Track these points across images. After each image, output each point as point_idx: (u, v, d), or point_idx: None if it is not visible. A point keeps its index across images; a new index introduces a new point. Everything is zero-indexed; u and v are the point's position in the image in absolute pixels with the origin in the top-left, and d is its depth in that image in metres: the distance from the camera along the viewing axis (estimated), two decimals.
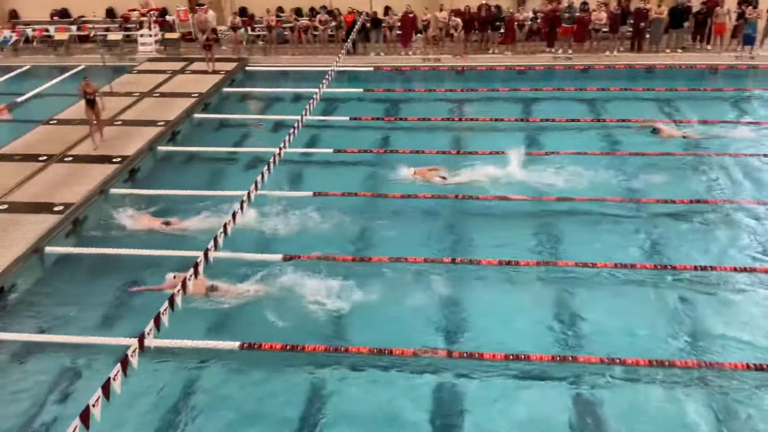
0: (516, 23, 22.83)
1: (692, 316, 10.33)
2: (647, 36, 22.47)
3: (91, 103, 15.85)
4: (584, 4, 22.48)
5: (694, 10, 21.99)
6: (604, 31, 22.47)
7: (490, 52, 23.22)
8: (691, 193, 13.74)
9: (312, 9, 24.53)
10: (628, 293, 10.89)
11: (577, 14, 22.24)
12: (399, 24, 23.42)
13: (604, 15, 22.08)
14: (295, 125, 14.35)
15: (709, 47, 22.34)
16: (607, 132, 17.13)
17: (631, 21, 22.54)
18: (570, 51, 22.66)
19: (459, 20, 22.61)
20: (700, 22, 21.97)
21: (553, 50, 22.85)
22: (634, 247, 12.08)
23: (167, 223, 13.10)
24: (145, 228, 13.17)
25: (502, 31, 23.08)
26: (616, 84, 20.14)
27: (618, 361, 9.24)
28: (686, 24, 22.11)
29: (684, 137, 16.47)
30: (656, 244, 12.19)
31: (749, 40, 21.52)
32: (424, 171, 14.84)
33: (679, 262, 11.45)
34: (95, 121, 16.20)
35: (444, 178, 14.61)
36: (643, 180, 14.38)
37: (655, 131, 16.66)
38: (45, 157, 15.67)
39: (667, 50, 22.33)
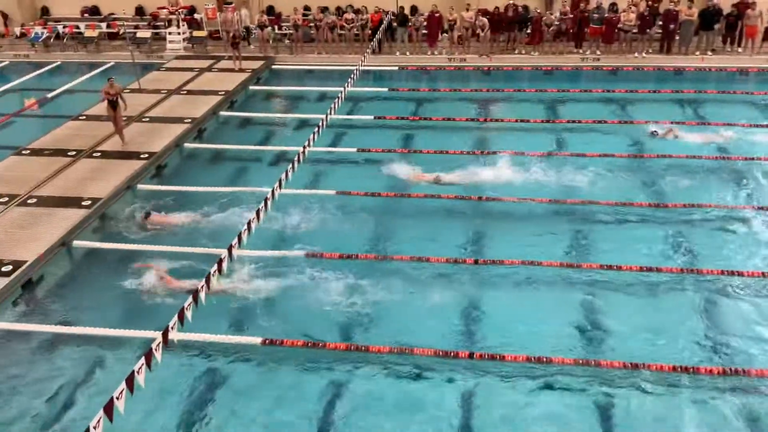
0: (543, 23, 22.66)
1: (718, 321, 10.21)
2: (677, 38, 22.18)
3: (113, 105, 15.75)
4: (613, 5, 22.26)
5: (725, 12, 21.63)
6: (633, 33, 22.19)
7: (517, 52, 23.08)
8: (717, 198, 13.57)
9: (338, 8, 24.57)
10: (653, 296, 10.79)
11: (606, 15, 22.03)
12: (425, 24, 23.39)
13: (633, 16, 21.82)
14: (320, 124, 14.41)
15: (739, 50, 22.00)
16: (632, 133, 16.95)
17: (661, 22, 22.28)
18: (598, 52, 22.45)
19: (486, 20, 22.50)
20: (731, 24, 21.63)
21: (580, 51, 22.65)
22: (658, 249, 11.96)
23: (190, 220, 13.19)
24: (170, 224, 13.31)
25: (529, 31, 22.96)
26: (644, 86, 19.93)
27: (642, 366, 9.15)
28: (717, 26, 21.78)
29: (676, 138, 16.41)
30: (681, 247, 12.05)
31: None
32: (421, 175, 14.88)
33: (703, 265, 11.33)
34: (117, 124, 16.18)
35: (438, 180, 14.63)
36: (669, 183, 14.23)
37: (654, 134, 16.60)
38: (74, 152, 15.90)
39: (697, 52, 22.03)
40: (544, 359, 9.33)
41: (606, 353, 9.56)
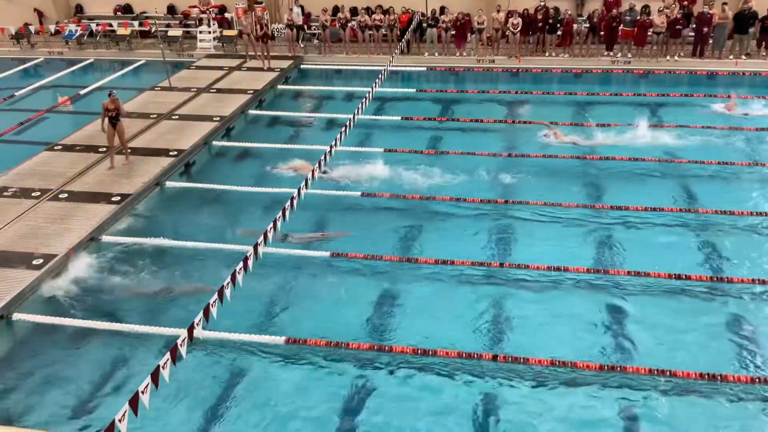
0: (575, 25, 22.46)
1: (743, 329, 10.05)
2: (710, 41, 21.84)
3: (113, 122, 14.68)
4: (645, 7, 21.97)
5: (761, 15, 21.21)
6: (666, 35, 21.84)
7: (547, 54, 22.91)
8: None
9: (368, 8, 24.61)
10: (678, 303, 10.65)
11: (638, 17, 21.74)
12: (454, 25, 23.30)
13: (664, 19, 21.50)
14: (348, 123, 14.43)
15: None
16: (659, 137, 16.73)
17: (694, 26, 21.94)
18: (629, 55, 22.19)
19: (519, 20, 22.32)
20: (767, 28, 21.21)
21: (611, 54, 22.41)
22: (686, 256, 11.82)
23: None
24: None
25: (559, 33, 22.76)
26: (676, 90, 19.67)
27: (668, 373, 9.03)
28: (752, 30, 21.39)
29: (574, 144, 16.47)
30: (711, 255, 11.88)
31: None
32: None
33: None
34: (117, 143, 15.05)
35: None
36: (700, 187, 14.05)
37: (547, 135, 16.77)
38: (104, 149, 16.09)
39: (731, 56, 21.66)
40: (569, 364, 9.25)
41: (633, 359, 9.46)
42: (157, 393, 7.34)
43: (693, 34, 22.07)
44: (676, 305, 10.61)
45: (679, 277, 11.02)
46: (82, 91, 21.57)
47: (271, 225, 10.41)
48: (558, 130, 17.12)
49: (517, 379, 9.21)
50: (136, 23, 26.39)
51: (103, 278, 11.89)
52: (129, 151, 15.47)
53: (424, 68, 22.76)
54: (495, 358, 9.48)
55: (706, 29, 21.48)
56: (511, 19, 22.40)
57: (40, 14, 28.02)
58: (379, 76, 17.54)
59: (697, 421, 8.48)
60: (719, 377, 8.95)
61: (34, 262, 11.58)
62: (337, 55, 24.04)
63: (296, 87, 22.12)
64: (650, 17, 21.68)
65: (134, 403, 6.94)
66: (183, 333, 7.91)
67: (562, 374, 9.22)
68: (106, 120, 14.64)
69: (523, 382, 9.17)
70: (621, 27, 21.93)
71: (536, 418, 8.61)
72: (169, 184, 14.97)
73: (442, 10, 23.90)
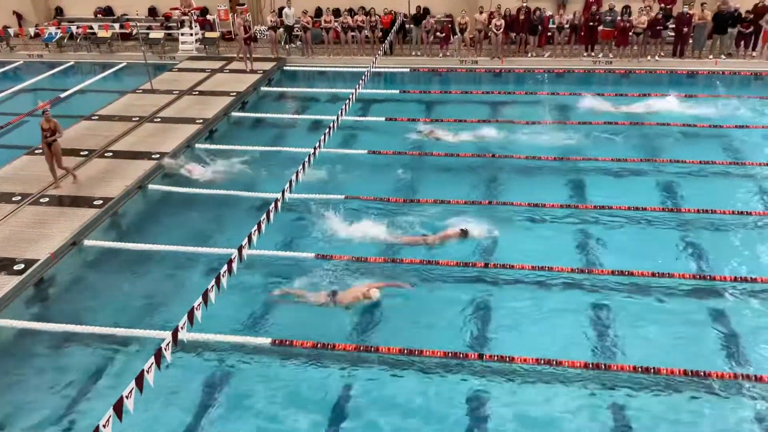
0: (555, 26, 22.57)
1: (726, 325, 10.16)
2: (690, 41, 22.06)
3: (49, 143, 13.71)
4: (626, 7, 22.14)
5: (742, 15, 21.42)
6: (648, 36, 22.00)
7: (529, 55, 23.02)
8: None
9: (350, 10, 24.60)
10: (664, 302, 10.74)
11: (618, 18, 21.90)
12: (436, 27, 23.35)
13: (645, 19, 21.68)
14: (331, 125, 14.41)
15: (754, 54, 21.84)
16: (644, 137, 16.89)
17: (674, 26, 22.15)
18: (611, 55, 22.35)
19: (502, 21, 22.41)
20: (747, 28, 21.44)
21: (593, 54, 22.56)
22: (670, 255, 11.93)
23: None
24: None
25: (540, 34, 22.85)
26: (657, 89, 19.85)
27: (652, 370, 9.11)
28: (731, 30, 21.61)
29: (437, 139, 17.02)
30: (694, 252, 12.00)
31: None
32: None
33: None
34: (56, 166, 13.98)
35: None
36: (683, 186, 14.18)
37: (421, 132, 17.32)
38: (86, 152, 15.98)
39: (711, 56, 21.89)
40: (554, 362, 9.29)
41: (617, 357, 9.52)
42: (142, 397, 7.27)
43: (673, 34, 22.28)
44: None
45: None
46: (63, 95, 21.37)
47: (255, 228, 10.38)
48: (433, 128, 17.49)
49: (502, 377, 9.24)
50: (116, 25, 26.24)
51: (85, 283, 11.80)
52: (64, 173, 14.29)
53: (408, 69, 22.80)
54: (481, 357, 9.50)
55: (685, 29, 21.70)
56: (493, 20, 22.49)
57: (19, 17, 27.75)
58: (363, 77, 17.55)
59: (681, 418, 8.55)
60: (703, 374, 9.03)
61: (16, 267, 11.45)
62: (320, 57, 24.01)
63: (279, 89, 22.07)
64: (630, 18, 21.81)
65: (119, 408, 6.88)
66: (167, 336, 7.85)
67: (547, 372, 9.26)
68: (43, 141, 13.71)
69: (509, 380, 9.20)
70: (601, 27, 22.10)
71: (521, 416, 8.64)
72: (151, 187, 14.87)
73: (425, 12, 23.95)
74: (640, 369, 9.13)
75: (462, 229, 12.42)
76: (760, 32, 21.44)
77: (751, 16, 21.24)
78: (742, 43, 21.73)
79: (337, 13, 25.00)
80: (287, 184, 11.89)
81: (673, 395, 8.87)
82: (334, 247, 12.24)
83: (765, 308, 10.47)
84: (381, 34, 23.61)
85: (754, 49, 21.79)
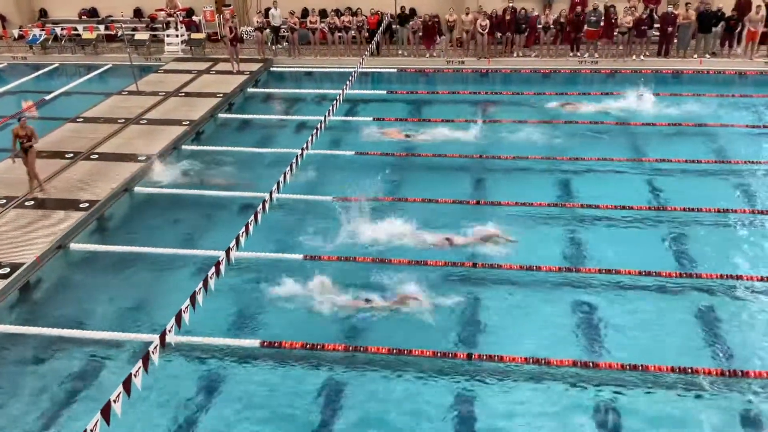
0: (541, 25, 22.65)
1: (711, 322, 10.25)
2: (675, 41, 22.21)
3: (25, 150, 13.51)
4: (611, 7, 22.25)
5: (726, 15, 21.59)
6: (633, 36, 22.11)
7: (515, 55, 23.08)
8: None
9: (337, 10, 24.58)
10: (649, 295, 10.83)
11: (603, 17, 22.01)
12: (422, 27, 23.40)
13: (630, 18, 21.81)
14: (318, 126, 14.39)
15: (739, 52, 22.03)
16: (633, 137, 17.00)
17: (658, 25, 22.30)
18: (596, 55, 22.46)
19: (488, 21, 22.46)
20: (731, 27, 21.62)
21: (578, 54, 22.66)
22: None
23: None
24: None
25: (526, 34, 22.94)
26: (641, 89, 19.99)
27: (640, 367, 9.15)
28: (715, 29, 21.77)
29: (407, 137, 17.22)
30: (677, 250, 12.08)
31: None
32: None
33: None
34: (30, 172, 13.82)
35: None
36: (669, 185, 14.27)
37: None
38: (71, 155, 15.87)
39: (695, 55, 22.04)
40: (543, 361, 9.32)
41: (606, 355, 9.57)
42: (130, 401, 7.22)
43: (658, 33, 22.42)
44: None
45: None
46: (47, 97, 21.22)
47: (244, 229, 10.34)
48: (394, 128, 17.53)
49: (491, 376, 9.26)
50: (101, 27, 26.06)
51: (72, 286, 11.72)
52: (38, 185, 14.04)
53: (395, 69, 22.81)
54: (470, 356, 9.52)
55: (670, 29, 21.84)
56: (479, 20, 22.54)
57: (3, 18, 27.52)
58: (350, 78, 17.54)
59: (669, 414, 8.59)
60: (690, 370, 9.09)
61: (1, 271, 11.35)
62: (307, 58, 23.96)
63: (266, 90, 22.02)
64: (615, 17, 21.88)
65: (106, 412, 6.83)
66: (155, 340, 7.80)
67: (536, 371, 9.28)
68: (18, 147, 13.52)
69: (498, 379, 9.21)
70: (586, 27, 22.20)
71: (511, 415, 8.65)
72: (138, 189, 14.78)
73: (412, 12, 23.97)
74: (628, 367, 9.17)
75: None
76: (743, 31, 21.63)
77: (736, 14, 21.42)
78: (726, 42, 21.92)
79: (323, 13, 24.96)
80: (275, 185, 11.86)
81: (661, 392, 8.91)
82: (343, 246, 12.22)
83: (751, 304, 10.56)
84: (368, 34, 23.59)
85: (738, 45, 21.97)
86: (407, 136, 17.31)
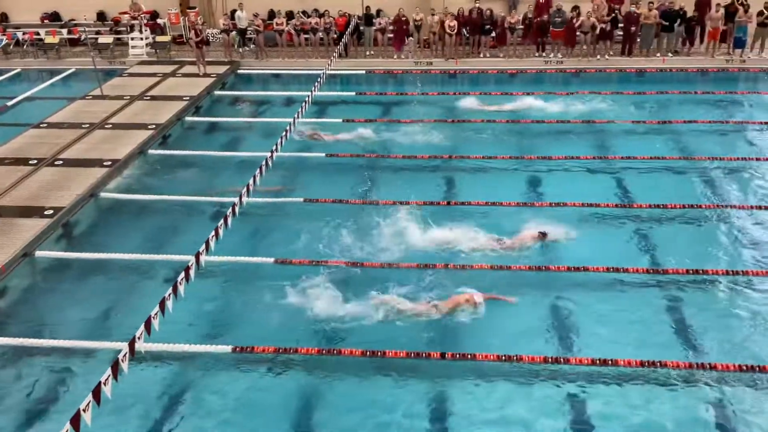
0: (507, 27, 22.85)
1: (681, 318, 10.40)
2: (638, 40, 22.56)
3: None
4: (575, 8, 22.52)
5: (687, 14, 21.99)
6: (594, 36, 22.42)
7: (482, 55, 23.23)
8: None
9: (304, 12, 24.50)
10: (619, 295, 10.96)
11: (567, 18, 22.27)
12: (391, 27, 23.45)
13: (593, 19, 22.10)
14: (288, 128, 14.33)
15: (701, 50, 22.46)
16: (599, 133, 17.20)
17: (622, 25, 22.63)
18: (560, 55, 22.72)
19: (455, 22, 22.58)
20: (691, 26, 22.04)
21: (544, 54, 22.90)
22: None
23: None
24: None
25: (493, 35, 23.12)
26: (607, 87, 20.28)
27: (609, 362, 9.26)
28: (678, 28, 22.16)
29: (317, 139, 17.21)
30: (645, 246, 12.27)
31: (740, 44, 21.68)
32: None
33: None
34: None
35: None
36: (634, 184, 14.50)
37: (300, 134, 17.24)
38: (35, 161, 15.58)
39: (658, 54, 22.42)
40: (515, 358, 9.39)
41: (576, 351, 9.67)
42: (100, 410, 7.11)
43: (621, 33, 22.75)
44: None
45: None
46: (10, 103, 20.80)
47: (213, 233, 10.25)
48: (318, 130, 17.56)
49: (465, 375, 9.30)
50: (64, 31, 25.69)
51: (38, 294, 11.51)
52: None
53: (363, 71, 22.81)
54: (443, 356, 9.54)
55: (633, 28, 22.19)
56: (446, 21, 22.65)
57: None
58: (318, 80, 17.50)
59: (639, 408, 8.69)
60: (659, 363, 9.21)
61: None
62: (274, 60, 23.85)
63: (234, 92, 21.87)
64: (580, 18, 22.15)
65: (75, 421, 6.72)
66: (124, 347, 7.69)
67: (509, 369, 9.34)
68: None
69: (472, 378, 9.25)
70: (551, 28, 22.46)
71: (484, 413, 8.70)
72: (104, 195, 14.57)
73: (378, 13, 24.00)
74: (598, 362, 9.28)
75: (541, 233, 12.25)
76: (704, 30, 22.07)
77: (696, 13, 21.85)
78: (687, 41, 22.35)
79: (290, 15, 24.87)
80: (244, 189, 11.78)
81: (630, 386, 9.03)
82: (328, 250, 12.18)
83: (714, 297, 10.78)
84: (336, 36, 23.57)
85: (701, 44, 22.42)
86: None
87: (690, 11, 21.95)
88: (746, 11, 21.40)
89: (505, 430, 8.49)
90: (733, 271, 11.21)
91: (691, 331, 10.09)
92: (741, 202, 13.56)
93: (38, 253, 12.35)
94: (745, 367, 9.11)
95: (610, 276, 11.27)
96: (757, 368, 9.10)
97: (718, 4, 21.42)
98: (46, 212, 13.27)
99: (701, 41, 22.47)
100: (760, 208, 13.23)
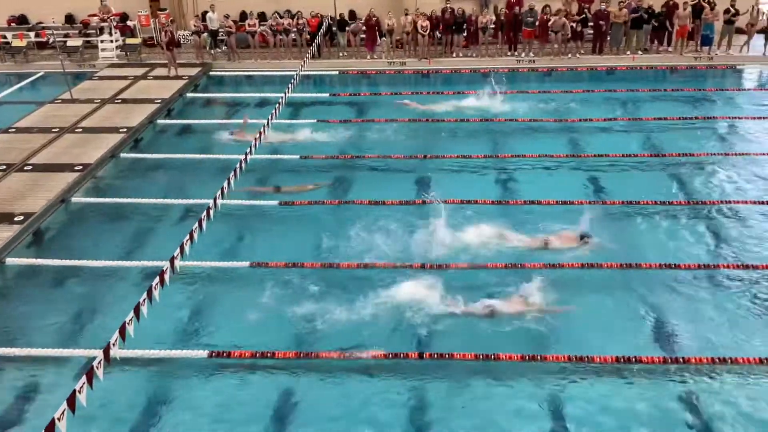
0: (479, 26, 22.98)
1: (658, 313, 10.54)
2: (608, 38, 22.83)
3: None
4: (546, 7, 22.71)
5: (655, 13, 22.31)
6: (566, 35, 22.65)
7: (454, 55, 23.33)
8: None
9: (276, 13, 24.40)
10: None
11: (539, 17, 22.46)
12: (363, 28, 23.46)
13: (564, 20, 22.32)
14: (262, 129, 14.27)
15: (670, 49, 22.79)
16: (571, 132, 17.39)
17: (592, 23, 22.89)
18: (531, 54, 22.91)
19: (428, 23, 22.65)
20: (660, 24, 22.36)
21: (516, 53, 23.08)
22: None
23: None
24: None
25: (465, 34, 23.24)
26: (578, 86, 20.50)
27: (586, 359, 9.35)
28: (646, 26, 22.46)
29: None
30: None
31: (707, 41, 22.05)
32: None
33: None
34: None
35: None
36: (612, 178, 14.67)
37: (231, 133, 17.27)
38: (4, 167, 15.32)
39: (628, 52, 22.71)
40: (492, 356, 9.44)
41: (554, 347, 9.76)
42: (75, 418, 7.02)
43: (591, 31, 23.01)
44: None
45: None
46: None
47: (188, 237, 10.18)
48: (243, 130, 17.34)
49: (443, 374, 9.34)
50: (32, 34, 25.29)
51: (9, 302, 11.31)
52: None
53: (337, 72, 22.77)
54: (421, 356, 9.57)
55: (603, 25, 22.45)
56: (419, 21, 22.72)
57: None
58: (292, 81, 17.44)
59: (615, 404, 8.80)
60: (634, 359, 9.33)
61: None
62: (247, 62, 23.72)
63: (206, 94, 21.71)
64: (550, 17, 22.34)
65: (50, 430, 6.63)
66: (99, 354, 7.61)
67: (486, 367, 9.40)
68: None
69: (450, 377, 9.29)
70: (523, 27, 22.63)
71: (462, 412, 8.74)
72: (75, 199, 14.38)
73: (351, 15, 23.98)
74: (574, 358, 9.37)
75: (581, 235, 12.04)
76: (673, 28, 22.40)
77: (665, 10, 22.19)
78: (656, 39, 22.68)
79: (262, 16, 24.74)
80: (219, 192, 11.71)
81: (606, 382, 9.13)
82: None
83: (689, 293, 10.94)
84: (309, 37, 23.50)
85: (669, 45, 22.75)
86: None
87: (658, 9, 22.27)
88: (712, 9, 21.80)
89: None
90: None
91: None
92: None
93: (8, 260, 12.14)
94: None
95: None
96: None
97: (685, 3, 21.74)
98: (15, 218, 13.05)
99: (669, 40, 22.80)
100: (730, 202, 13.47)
